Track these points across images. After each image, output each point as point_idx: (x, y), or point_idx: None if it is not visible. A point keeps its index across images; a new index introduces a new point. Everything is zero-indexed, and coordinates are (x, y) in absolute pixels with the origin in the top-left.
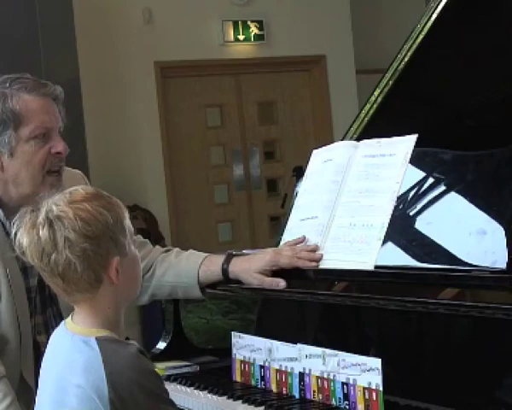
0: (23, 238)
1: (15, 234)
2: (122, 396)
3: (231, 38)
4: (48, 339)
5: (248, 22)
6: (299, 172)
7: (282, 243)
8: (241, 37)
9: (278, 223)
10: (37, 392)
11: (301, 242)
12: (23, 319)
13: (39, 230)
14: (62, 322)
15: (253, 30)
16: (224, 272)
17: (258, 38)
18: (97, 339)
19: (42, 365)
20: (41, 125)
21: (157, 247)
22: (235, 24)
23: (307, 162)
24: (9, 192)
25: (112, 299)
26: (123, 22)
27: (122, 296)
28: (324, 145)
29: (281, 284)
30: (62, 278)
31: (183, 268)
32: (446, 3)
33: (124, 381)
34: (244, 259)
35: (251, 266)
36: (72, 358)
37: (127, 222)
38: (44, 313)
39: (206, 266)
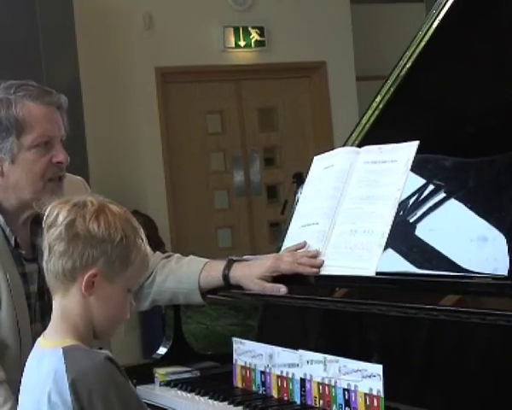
0: (49, 206)
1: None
2: (82, 405)
3: (232, 43)
4: None
5: (249, 28)
6: (299, 179)
7: (282, 249)
8: (241, 43)
9: (278, 229)
10: None
11: (302, 247)
12: (23, 324)
13: (64, 206)
14: (36, 342)
15: (254, 36)
16: (225, 277)
17: (259, 44)
18: (63, 348)
19: (20, 387)
20: (43, 134)
21: (157, 253)
22: (236, 30)
23: (307, 169)
24: (9, 198)
25: (81, 308)
26: (124, 27)
27: (94, 317)
28: (325, 151)
29: (282, 289)
30: (49, 251)
31: (184, 274)
32: (448, 11)
33: (84, 389)
34: (245, 265)
35: (252, 272)
36: (41, 370)
37: (136, 265)
38: (44, 320)
39: (207, 271)
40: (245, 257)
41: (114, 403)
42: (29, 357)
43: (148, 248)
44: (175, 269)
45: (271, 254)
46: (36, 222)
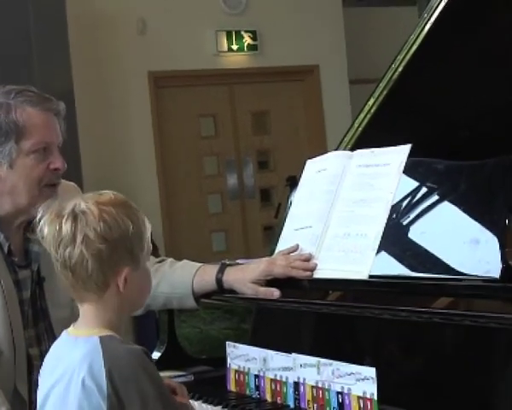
0: (45, 226)
1: (40, 219)
2: (118, 393)
3: (225, 48)
4: (40, 352)
5: (242, 32)
6: (292, 182)
7: (275, 252)
8: (234, 47)
9: (272, 232)
10: (38, 399)
11: (295, 251)
12: (17, 331)
13: (62, 221)
14: (64, 332)
15: (247, 40)
16: (218, 282)
17: (252, 48)
18: (100, 337)
19: (41, 373)
20: (42, 140)
21: (151, 257)
22: (229, 34)
23: (301, 172)
24: (4, 204)
25: (116, 305)
26: (117, 33)
27: (127, 305)
28: (318, 155)
29: (275, 293)
30: (72, 273)
31: (178, 279)
32: (440, 14)
33: (121, 378)
34: (238, 269)
35: (245, 276)
36: (75, 356)
37: (147, 239)
38: (36, 326)
39: (200, 276)
40: (238, 261)
41: (150, 395)
42: (56, 344)
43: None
44: (168, 274)
45: (265, 257)
46: (29, 228)
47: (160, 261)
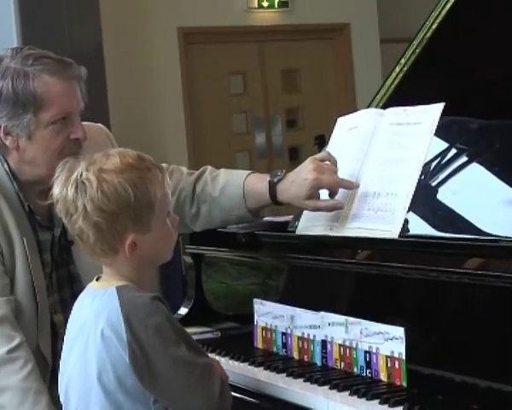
0: (56, 189)
1: (55, 180)
2: (139, 339)
3: (255, 4)
4: (65, 319)
5: None
6: (321, 141)
7: (303, 213)
8: (264, 3)
9: None
10: (62, 353)
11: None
12: (40, 292)
13: (68, 187)
14: (87, 285)
15: None
16: (275, 202)
17: (283, 4)
18: (116, 287)
19: (67, 327)
20: (61, 111)
21: (184, 174)
22: None
23: (329, 131)
24: (24, 171)
25: (132, 267)
26: None
27: (146, 262)
28: (348, 114)
29: (339, 205)
30: (80, 239)
31: (227, 203)
32: None
33: (139, 324)
34: (288, 186)
35: (299, 194)
36: (93, 307)
37: (160, 196)
38: (60, 291)
39: (252, 197)
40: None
41: (171, 336)
42: (79, 298)
43: (164, 166)
44: (216, 198)
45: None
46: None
47: (198, 177)
